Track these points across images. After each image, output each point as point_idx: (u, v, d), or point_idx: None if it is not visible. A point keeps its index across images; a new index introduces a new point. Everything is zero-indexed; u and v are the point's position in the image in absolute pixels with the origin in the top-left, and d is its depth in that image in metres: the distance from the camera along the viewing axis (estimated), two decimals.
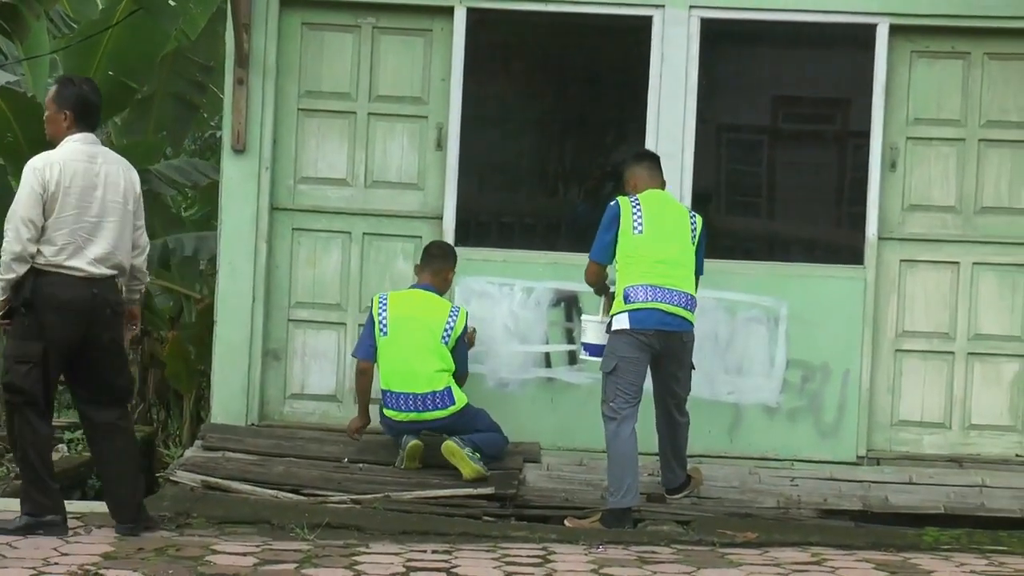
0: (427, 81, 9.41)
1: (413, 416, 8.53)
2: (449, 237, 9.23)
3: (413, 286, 8.83)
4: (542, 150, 9.84)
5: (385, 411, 8.62)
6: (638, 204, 8.14)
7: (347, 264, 9.41)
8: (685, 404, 8.31)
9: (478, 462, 8.35)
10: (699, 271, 8.28)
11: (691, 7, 9.23)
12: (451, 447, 8.37)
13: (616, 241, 8.09)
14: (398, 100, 9.43)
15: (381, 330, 8.62)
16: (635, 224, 8.08)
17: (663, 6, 9.24)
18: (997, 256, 9.32)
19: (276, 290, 9.39)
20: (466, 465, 8.33)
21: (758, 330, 9.22)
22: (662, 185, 8.33)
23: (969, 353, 9.33)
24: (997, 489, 8.74)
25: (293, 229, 9.41)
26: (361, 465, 8.65)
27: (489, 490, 8.23)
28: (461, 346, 8.69)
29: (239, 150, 9.27)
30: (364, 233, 9.41)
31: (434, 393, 8.51)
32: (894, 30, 9.24)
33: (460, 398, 8.57)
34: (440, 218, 9.31)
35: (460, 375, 8.74)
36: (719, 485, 8.67)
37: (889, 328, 9.32)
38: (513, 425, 8.86)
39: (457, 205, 9.30)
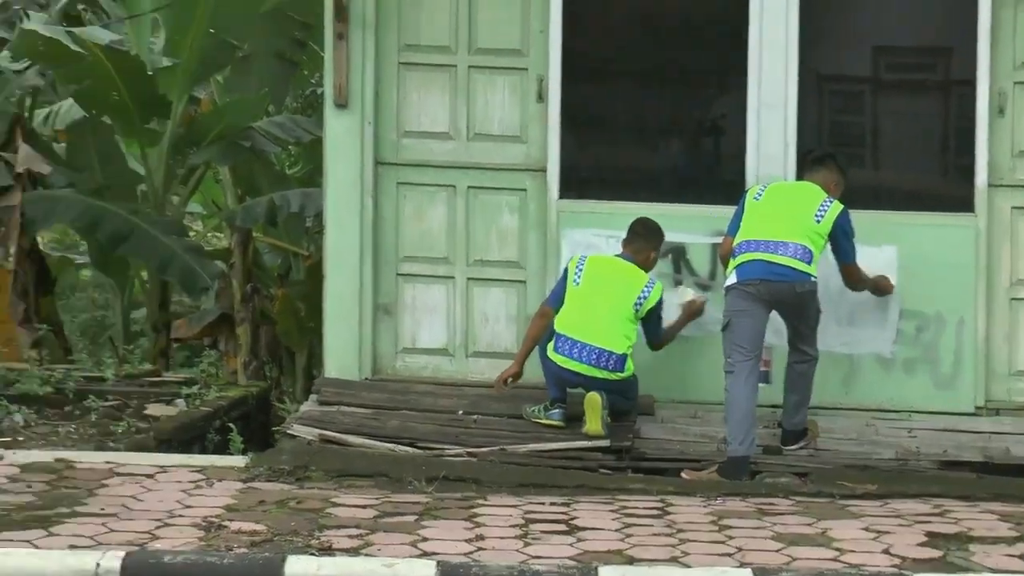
0: (526, 33, 9.33)
1: (579, 368, 8.39)
2: (553, 189, 9.20)
3: (616, 255, 8.76)
4: (643, 101, 9.68)
5: (551, 353, 8.47)
6: (766, 186, 8.54)
7: (453, 218, 9.37)
8: (814, 340, 8.40)
9: (605, 426, 8.23)
10: (844, 258, 8.49)
11: None
12: (596, 400, 8.20)
13: (743, 214, 8.41)
14: (497, 53, 9.36)
15: (575, 280, 8.54)
16: (756, 195, 8.44)
17: None
18: None
19: (383, 245, 9.36)
20: (596, 422, 8.20)
21: None
22: (819, 180, 8.51)
23: None
24: None
25: (398, 183, 9.38)
26: (476, 418, 8.63)
27: (605, 443, 8.17)
28: (654, 318, 8.57)
29: (341, 105, 9.25)
30: (469, 187, 9.37)
31: (609, 353, 8.37)
32: None
33: (630, 368, 8.47)
34: (544, 171, 9.25)
35: (656, 343, 8.71)
36: (836, 437, 8.59)
37: (1003, 277, 9.12)
38: None
39: (560, 157, 9.24)
